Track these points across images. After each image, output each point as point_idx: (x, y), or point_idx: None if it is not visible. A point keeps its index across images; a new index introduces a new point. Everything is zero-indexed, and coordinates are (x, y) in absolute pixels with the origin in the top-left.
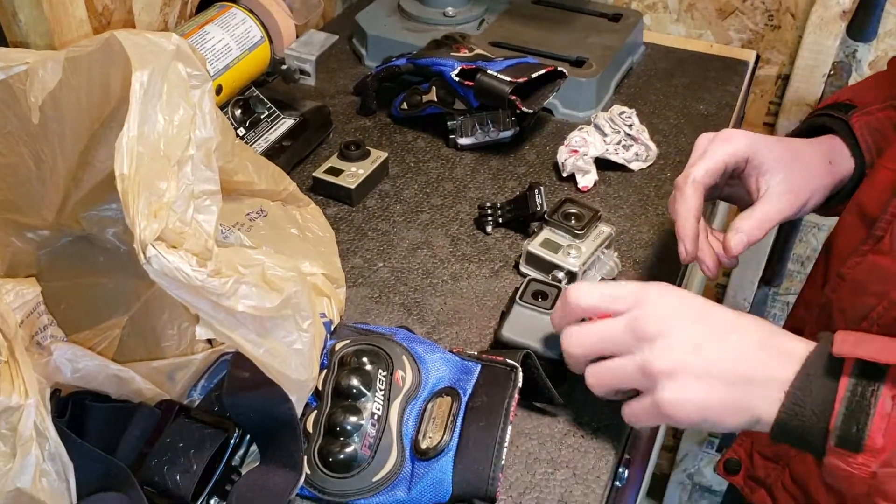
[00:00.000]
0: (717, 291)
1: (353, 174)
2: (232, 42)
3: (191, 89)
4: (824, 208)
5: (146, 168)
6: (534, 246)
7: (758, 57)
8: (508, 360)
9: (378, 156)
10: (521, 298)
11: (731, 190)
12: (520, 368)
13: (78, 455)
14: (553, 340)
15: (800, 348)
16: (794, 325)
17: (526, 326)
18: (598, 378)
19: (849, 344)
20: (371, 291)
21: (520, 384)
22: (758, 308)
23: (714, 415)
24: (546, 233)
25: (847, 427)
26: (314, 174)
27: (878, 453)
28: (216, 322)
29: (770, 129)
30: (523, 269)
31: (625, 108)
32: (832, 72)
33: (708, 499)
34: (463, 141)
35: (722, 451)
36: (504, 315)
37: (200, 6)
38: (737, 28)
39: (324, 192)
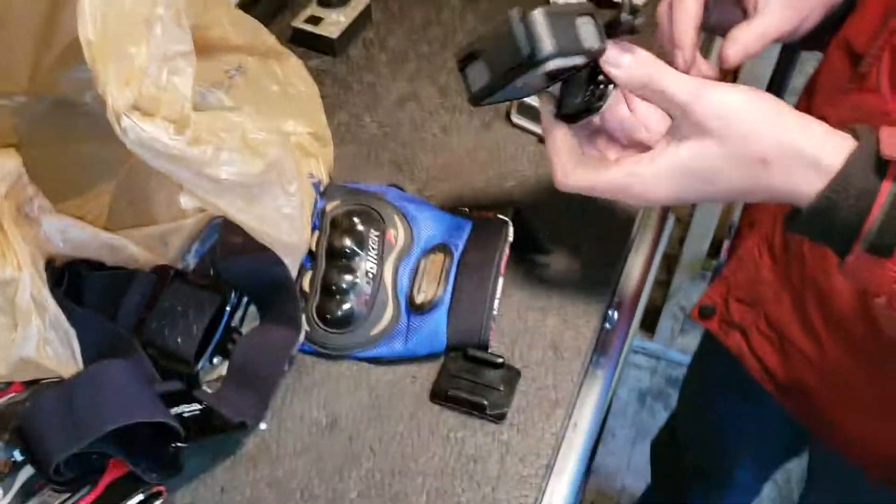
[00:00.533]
0: None
1: (335, 22)
2: None
3: None
4: (810, 39)
5: (113, 31)
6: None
7: None
8: (499, 216)
9: (360, 0)
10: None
11: (723, 15)
12: (510, 224)
13: (78, 323)
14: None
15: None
16: None
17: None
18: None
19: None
20: (359, 148)
21: (510, 239)
22: None
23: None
24: None
25: (881, 233)
26: (293, 24)
27: None
28: (201, 190)
29: None
30: (515, 119)
31: None
32: None
33: (699, 329)
34: None
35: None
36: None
37: None
38: None
39: (304, 44)
